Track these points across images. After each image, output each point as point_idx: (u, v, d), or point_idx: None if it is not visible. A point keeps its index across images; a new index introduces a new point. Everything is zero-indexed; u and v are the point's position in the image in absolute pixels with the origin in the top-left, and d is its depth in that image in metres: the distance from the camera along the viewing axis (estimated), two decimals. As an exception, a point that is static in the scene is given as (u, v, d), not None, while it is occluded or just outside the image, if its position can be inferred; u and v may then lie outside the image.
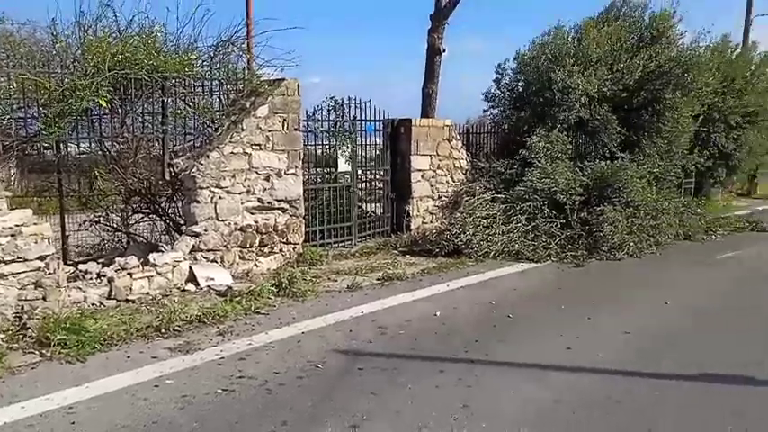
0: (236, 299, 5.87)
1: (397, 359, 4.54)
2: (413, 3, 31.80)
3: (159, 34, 6.93)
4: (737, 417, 3.56)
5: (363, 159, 9.47)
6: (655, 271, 8.00)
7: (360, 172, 9.34)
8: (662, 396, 3.89)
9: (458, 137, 10.48)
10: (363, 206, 9.63)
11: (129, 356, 4.49)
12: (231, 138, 7.02)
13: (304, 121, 8.20)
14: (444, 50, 12.38)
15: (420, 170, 9.71)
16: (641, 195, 9.65)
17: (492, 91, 11.87)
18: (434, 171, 9.94)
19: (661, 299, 6.40)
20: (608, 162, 9.95)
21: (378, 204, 9.84)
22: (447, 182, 10.16)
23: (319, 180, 9.05)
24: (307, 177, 8.43)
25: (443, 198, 10.07)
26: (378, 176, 9.79)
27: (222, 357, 4.50)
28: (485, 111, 12.19)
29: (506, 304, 6.13)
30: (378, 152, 9.72)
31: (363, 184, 9.67)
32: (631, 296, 6.66)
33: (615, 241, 8.74)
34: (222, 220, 6.95)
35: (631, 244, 8.85)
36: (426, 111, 12.33)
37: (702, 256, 9.07)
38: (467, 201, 9.45)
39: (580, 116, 10.51)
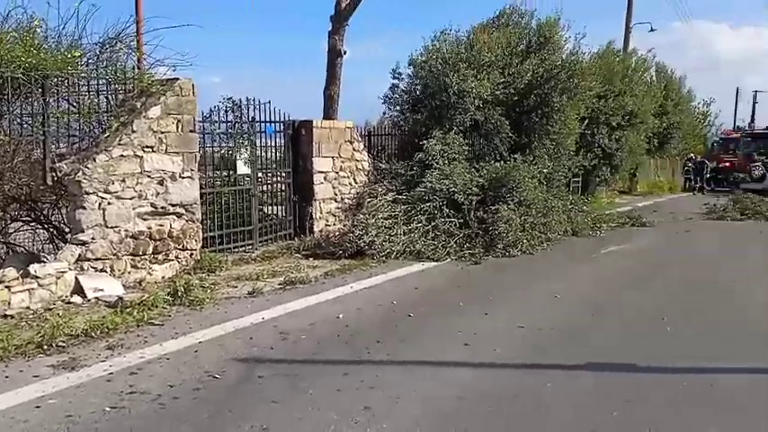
0: (128, 310, 5.57)
1: (299, 365, 4.49)
2: (317, 2, 31.63)
3: (39, 30, 6.48)
4: (625, 404, 3.79)
5: (264, 161, 9.31)
6: (546, 266, 8.43)
7: (260, 174, 9.17)
8: (555, 387, 4.07)
9: (360, 139, 10.55)
10: (265, 209, 9.46)
11: (7, 376, 4.14)
12: (121, 140, 6.65)
13: (200, 122, 7.93)
14: (345, 52, 12.41)
15: (322, 172, 9.67)
16: (533, 195, 10.16)
17: (390, 94, 12.05)
18: (337, 173, 9.94)
19: (552, 292, 6.76)
20: (502, 163, 10.39)
21: (280, 207, 9.70)
22: (350, 184, 10.19)
23: (218, 183, 8.79)
24: (204, 180, 8.16)
25: (346, 200, 10.09)
26: (279, 179, 9.66)
27: (111, 373, 4.25)
28: (384, 111, 12.36)
29: (408, 304, 6.22)
30: (280, 154, 9.59)
31: (265, 186, 9.50)
32: (525, 291, 6.99)
33: (510, 239, 9.13)
34: (112, 227, 6.57)
35: (524, 241, 9.28)
36: (329, 113, 12.30)
37: (589, 250, 9.67)
38: (369, 202, 9.54)
39: (475, 119, 10.90)
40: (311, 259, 8.42)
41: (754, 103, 52.79)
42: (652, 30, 25.14)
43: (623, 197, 20.97)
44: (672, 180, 27.37)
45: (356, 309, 6.03)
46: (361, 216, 9.14)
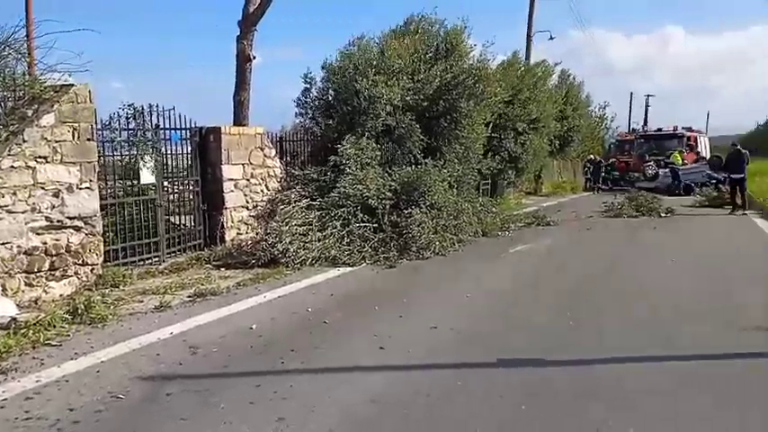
0: (23, 331, 5.19)
1: (210, 379, 4.35)
2: (225, 8, 30.96)
3: None
4: (532, 397, 3.95)
5: (171, 170, 8.98)
6: (458, 267, 8.65)
7: (167, 183, 8.83)
8: (465, 385, 4.18)
9: (271, 145, 10.40)
10: (173, 219, 9.11)
11: None
12: (10, 150, 6.21)
13: (99, 130, 7.55)
14: (254, 57, 12.19)
15: (232, 179, 9.45)
16: (444, 198, 10.42)
17: (303, 99, 11.99)
18: (248, 180, 9.74)
19: (464, 292, 6.95)
20: (414, 167, 10.57)
21: (189, 217, 9.38)
22: (262, 191, 10.02)
23: (121, 194, 8.37)
24: (106, 191, 7.77)
25: (259, 207, 9.91)
26: (187, 187, 9.34)
27: (5, 399, 3.95)
28: (296, 116, 12.27)
29: (323, 310, 6.19)
30: (187, 162, 9.28)
31: (172, 195, 9.16)
32: (438, 292, 7.14)
33: (423, 241, 9.30)
34: (2, 243, 6.11)
35: (437, 243, 9.48)
36: (239, 119, 12.04)
37: (498, 250, 10.01)
38: (282, 209, 9.42)
39: (387, 124, 11.03)
40: (223, 269, 8.20)
41: (647, 106, 56.74)
42: (551, 38, 26.45)
43: (529, 198, 21.90)
44: (574, 180, 28.89)
45: (270, 318, 5.93)
46: (275, 223, 9.01)
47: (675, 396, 3.94)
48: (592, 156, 27.94)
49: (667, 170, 23.67)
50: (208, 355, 4.87)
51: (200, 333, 5.44)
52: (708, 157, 26.69)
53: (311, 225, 9.09)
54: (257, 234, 9.48)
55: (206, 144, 9.32)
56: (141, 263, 8.11)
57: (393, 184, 10.07)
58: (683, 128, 28.29)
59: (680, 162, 23.84)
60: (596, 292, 7.04)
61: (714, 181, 21.75)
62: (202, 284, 7.09)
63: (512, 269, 8.65)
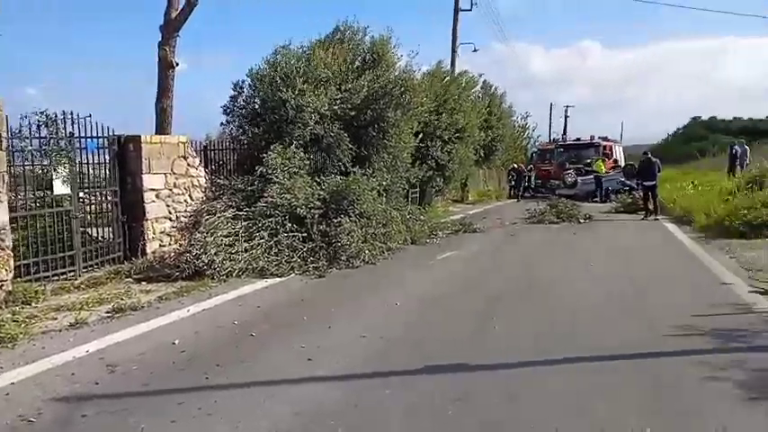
0: None
1: (129, 398, 4.17)
2: (150, 12, 30.02)
3: None
4: (459, 402, 4.01)
5: (87, 180, 8.58)
6: (387, 275, 8.71)
7: (83, 194, 8.43)
8: (394, 393, 4.20)
9: (195, 154, 10.14)
10: (90, 232, 8.71)
11: None
12: None
13: (8, 138, 7.12)
14: (177, 64, 11.90)
15: (154, 189, 9.15)
16: (373, 206, 10.47)
17: (230, 106, 11.78)
18: (170, 190, 9.45)
19: (393, 301, 6.98)
20: (343, 176, 10.58)
21: (108, 229, 8.99)
22: (185, 201, 9.74)
23: (34, 205, 7.92)
24: (17, 203, 7.34)
25: (182, 218, 9.63)
26: (106, 198, 8.95)
27: None
28: (222, 125, 12.03)
29: (250, 323, 6.07)
30: (106, 172, 8.89)
31: (90, 207, 8.75)
32: (367, 301, 7.15)
33: (352, 250, 9.31)
34: None
35: (366, 252, 9.51)
36: (163, 127, 11.69)
37: (426, 257, 10.16)
38: (207, 220, 9.19)
39: (315, 133, 11.00)
40: (144, 283, 7.90)
41: (566, 116, 59.38)
42: (475, 50, 27.29)
43: (457, 206, 22.37)
44: (498, 188, 29.77)
45: (194, 333, 5.76)
46: (199, 234, 8.77)
47: (593, 396, 4.12)
48: (515, 164, 28.88)
49: (589, 177, 24.83)
50: (127, 373, 4.67)
51: (119, 350, 5.21)
52: (622, 165, 28.17)
53: (238, 236, 8.91)
54: (181, 246, 9.20)
55: (125, 153, 8.98)
56: (56, 278, 7.70)
57: (322, 193, 10.03)
58: (599, 137, 29.73)
59: (603, 170, 25.02)
60: (520, 297, 7.25)
61: (627, 188, 22.98)
62: (122, 299, 6.81)
63: (440, 276, 8.79)
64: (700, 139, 51.96)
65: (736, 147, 24.03)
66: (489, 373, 4.63)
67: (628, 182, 23.33)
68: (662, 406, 3.94)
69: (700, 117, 64.82)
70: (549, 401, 4.02)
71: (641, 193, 17.87)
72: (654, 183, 16.59)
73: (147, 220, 8.99)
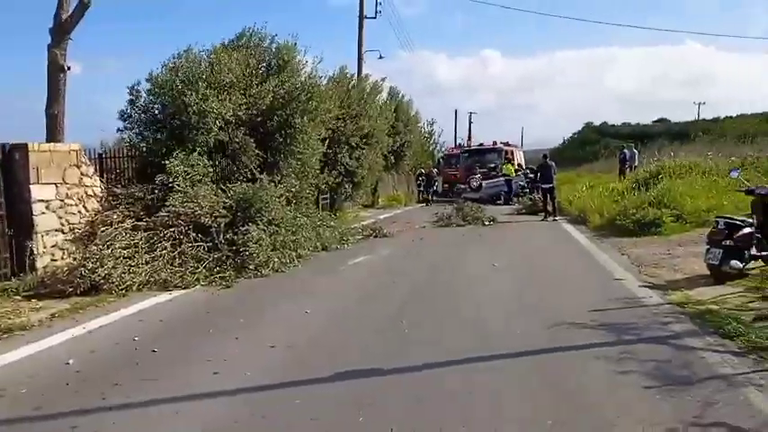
0: None
1: (17, 424, 3.88)
2: (37, 17, 28.01)
3: None
4: (369, 407, 4.02)
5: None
6: (297, 283, 8.61)
7: (-39, 207, 7.75)
8: (304, 402, 4.14)
9: (89, 162, 9.58)
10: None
11: None
12: None
13: None
14: (69, 68, 11.19)
15: (44, 201, 8.54)
16: (282, 213, 10.32)
17: (128, 112, 11.23)
18: (62, 201, 8.86)
19: (302, 308, 6.90)
20: (250, 183, 10.36)
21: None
22: (79, 212, 9.16)
23: None
24: None
25: (76, 230, 9.04)
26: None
27: None
28: (119, 131, 11.44)
29: (152, 338, 5.80)
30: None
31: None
32: (276, 310, 7.03)
33: (261, 259, 9.12)
34: None
35: (276, 260, 9.35)
36: (54, 134, 10.94)
37: (337, 264, 10.13)
38: (104, 231, 8.70)
39: (219, 139, 10.71)
40: (34, 301, 7.35)
41: (470, 122, 61.40)
42: (381, 57, 27.54)
43: (367, 211, 22.51)
44: (408, 193, 30.26)
45: (89, 351, 5.42)
46: (95, 247, 8.29)
47: (498, 393, 4.26)
48: (422, 169, 29.50)
49: (493, 181, 25.96)
50: (16, 397, 4.33)
51: (6, 373, 4.83)
52: (524, 168, 29.54)
53: (138, 247, 8.50)
54: (75, 260, 8.64)
55: (11, 162, 8.34)
56: (-71, 299, 7.01)
57: (228, 200, 9.76)
58: (501, 143, 31.01)
59: (513, 173, 26.05)
60: (429, 299, 7.40)
61: (527, 189, 24.21)
62: (9, 318, 6.31)
63: (350, 282, 8.79)
64: (593, 143, 55.37)
65: (625, 150, 25.83)
66: (399, 376, 4.68)
67: (522, 184, 24.74)
68: (562, 399, 4.14)
69: (592, 122, 68.99)
70: (455, 402, 4.11)
71: (540, 196, 18.78)
72: (552, 185, 17.46)
73: (36, 233, 8.37)
